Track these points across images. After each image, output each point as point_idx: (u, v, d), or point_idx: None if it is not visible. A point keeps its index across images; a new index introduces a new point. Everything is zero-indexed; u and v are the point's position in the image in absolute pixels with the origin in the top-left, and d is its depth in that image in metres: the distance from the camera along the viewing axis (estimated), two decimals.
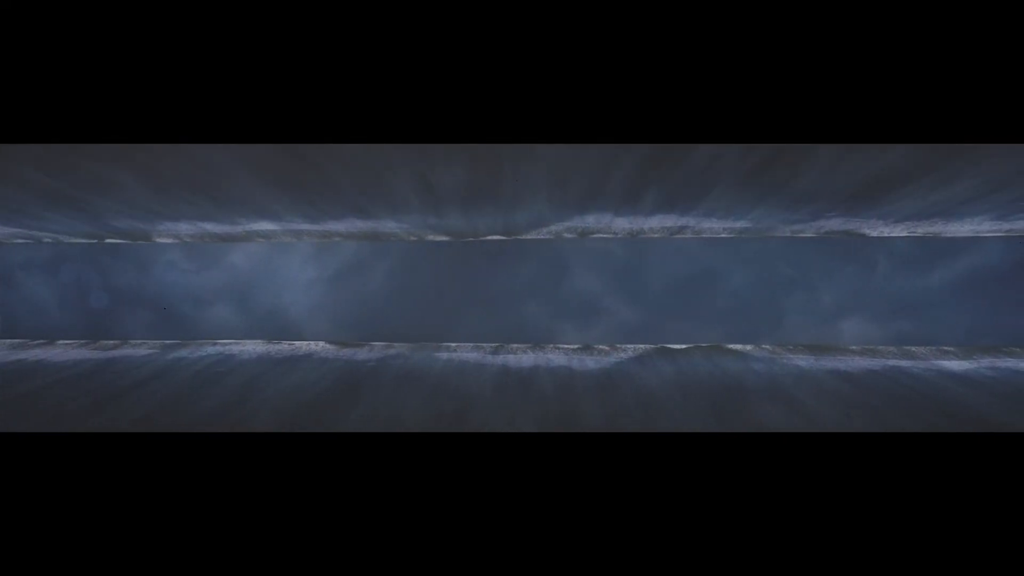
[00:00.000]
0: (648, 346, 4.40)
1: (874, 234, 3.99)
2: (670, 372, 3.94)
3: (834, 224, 3.81)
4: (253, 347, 5.05)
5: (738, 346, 4.23)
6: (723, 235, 4.17)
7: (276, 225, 4.59)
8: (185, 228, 4.68)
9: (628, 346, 4.39)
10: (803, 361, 3.93)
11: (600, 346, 4.42)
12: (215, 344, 5.19)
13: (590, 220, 4.01)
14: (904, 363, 3.82)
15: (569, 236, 4.43)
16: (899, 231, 3.88)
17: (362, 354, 4.76)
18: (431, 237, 4.70)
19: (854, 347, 4.07)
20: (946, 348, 3.95)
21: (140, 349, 5.13)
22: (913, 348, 4.01)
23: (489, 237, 4.52)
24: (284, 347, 5.03)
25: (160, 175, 3.46)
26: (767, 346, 4.26)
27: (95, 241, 5.51)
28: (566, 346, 4.47)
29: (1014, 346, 3.96)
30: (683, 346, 4.36)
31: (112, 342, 5.42)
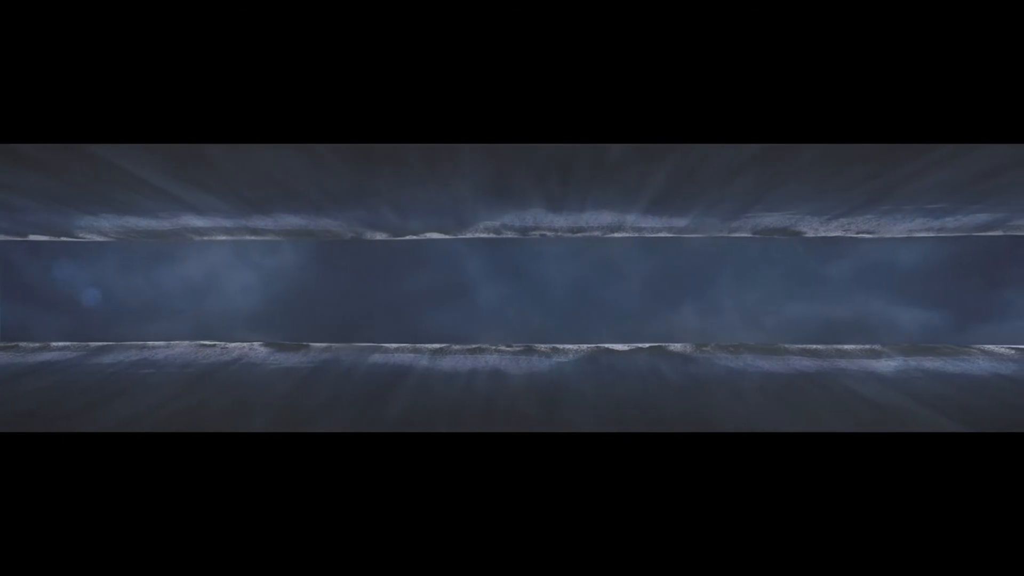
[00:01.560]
0: (590, 346, 4.33)
1: (811, 234, 4.00)
2: (612, 373, 3.87)
3: (770, 222, 3.79)
4: (181, 349, 4.82)
5: (678, 346, 4.19)
6: (663, 234, 4.14)
7: (205, 222, 4.40)
8: (107, 224, 4.46)
9: (569, 347, 4.31)
10: (740, 361, 3.90)
11: (540, 347, 4.33)
12: (143, 348, 4.94)
13: (528, 218, 3.93)
14: (841, 362, 3.81)
15: (509, 235, 4.34)
16: (833, 230, 3.88)
17: (296, 357, 4.58)
18: (369, 236, 4.56)
19: (792, 347, 4.05)
20: (876, 347, 3.96)
21: (62, 352, 4.86)
22: (847, 347, 4.01)
23: (428, 235, 4.41)
24: (216, 349, 4.81)
25: (71, 172, 3.27)
26: (707, 348, 4.23)
27: (19, 238, 5.22)
28: (506, 348, 4.37)
29: (946, 344, 4.00)
30: (624, 347, 4.29)
31: (34, 345, 5.13)
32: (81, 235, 4.87)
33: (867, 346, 3.99)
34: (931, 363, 3.66)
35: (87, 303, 5.05)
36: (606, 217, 3.86)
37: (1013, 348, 3.97)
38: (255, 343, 4.91)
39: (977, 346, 4.00)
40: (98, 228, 4.62)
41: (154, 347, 4.94)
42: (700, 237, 4.11)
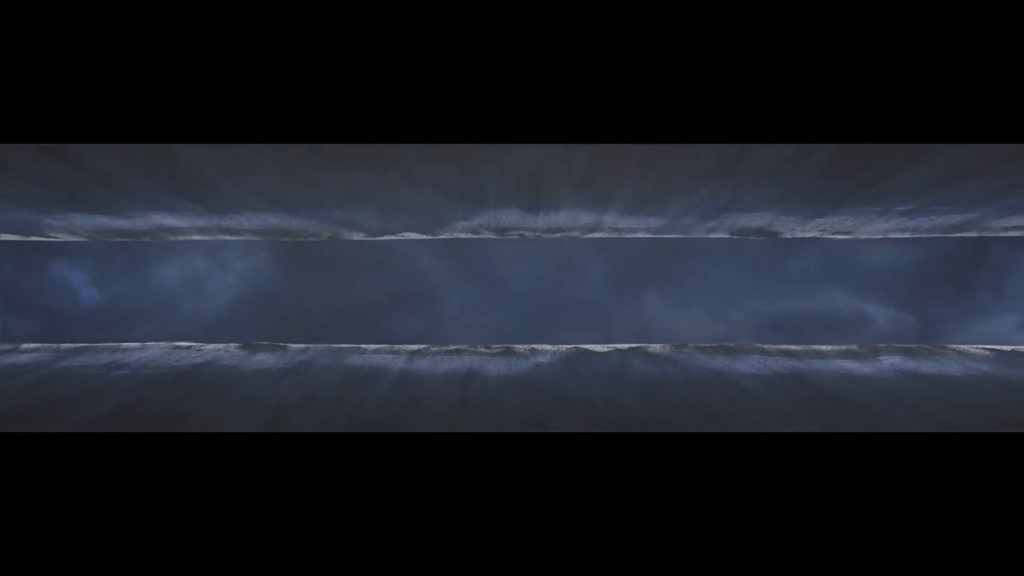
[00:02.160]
0: (568, 347, 4.31)
1: (788, 234, 4.00)
2: (591, 373, 3.85)
3: (747, 222, 3.80)
4: (155, 350, 4.75)
5: (656, 347, 4.18)
6: (640, 234, 4.13)
7: (179, 221, 4.34)
8: (79, 224, 4.38)
9: (547, 347, 4.29)
10: (718, 361, 3.90)
11: (519, 347, 4.31)
12: (117, 350, 4.86)
13: (503, 218, 3.91)
14: (816, 363, 3.82)
15: (487, 235, 4.32)
16: (810, 231, 3.90)
17: (273, 358, 4.52)
18: (346, 235, 4.52)
19: (769, 347, 4.05)
20: (853, 348, 3.97)
21: (32, 355, 4.76)
22: (823, 347, 4.02)
23: (405, 235, 4.37)
24: (191, 352, 4.74)
25: (40, 172, 3.21)
26: (686, 348, 4.22)
27: None
28: (485, 350, 4.34)
29: (923, 344, 4.02)
30: (603, 348, 4.28)
31: (5, 347, 5.03)
32: (52, 235, 4.78)
33: (843, 347, 4.00)
34: (905, 363, 3.67)
35: (84, 302, 4.98)
36: (584, 217, 3.85)
37: (986, 348, 4.00)
38: (231, 344, 4.84)
39: (952, 346, 4.03)
40: (70, 228, 4.54)
41: (128, 349, 4.86)
42: (677, 237, 4.11)
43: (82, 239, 4.93)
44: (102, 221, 4.29)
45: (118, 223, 4.38)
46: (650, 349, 4.18)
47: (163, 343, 4.96)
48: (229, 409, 3.62)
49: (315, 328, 4.75)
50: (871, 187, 3.29)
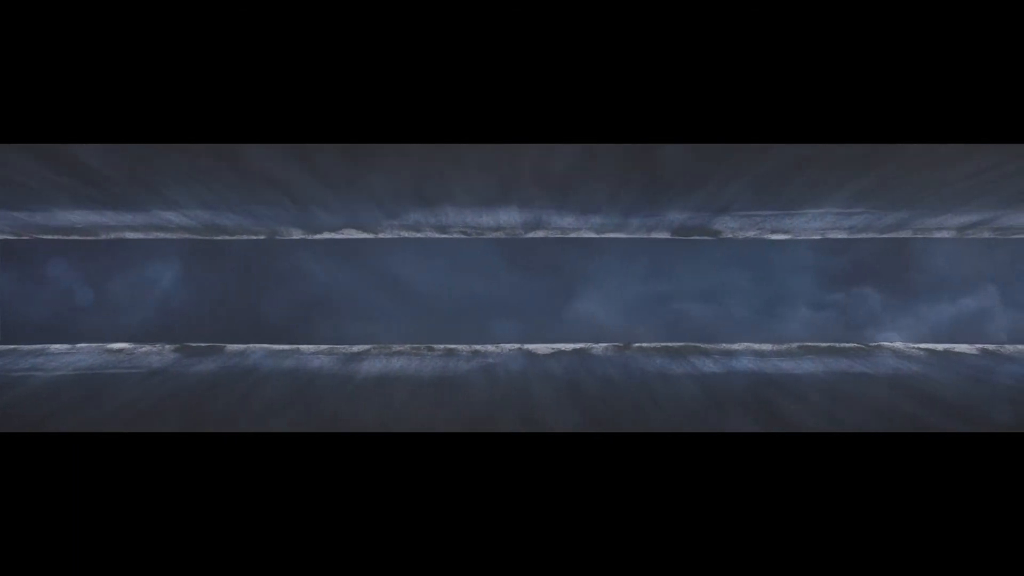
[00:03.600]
0: (513, 346, 4.26)
1: (728, 234, 4.01)
2: (539, 374, 3.80)
3: (685, 222, 3.79)
4: (85, 353, 4.55)
5: (599, 347, 4.15)
6: (585, 233, 4.10)
7: (110, 218, 4.18)
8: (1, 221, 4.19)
9: (490, 346, 4.23)
10: (660, 360, 3.88)
11: (460, 347, 4.24)
12: (42, 354, 4.65)
13: (444, 216, 3.84)
14: (756, 362, 3.83)
15: (430, 233, 4.25)
16: (749, 230, 3.91)
17: (208, 360, 4.37)
18: (284, 234, 4.40)
19: (709, 346, 4.05)
20: (793, 346, 4.00)
21: None
22: (763, 347, 4.03)
23: (344, 233, 4.28)
24: (123, 356, 4.56)
25: None
26: (629, 349, 4.20)
27: None
28: (430, 351, 4.26)
29: (859, 343, 4.07)
30: (548, 349, 4.24)
31: None
32: None
33: (782, 346, 4.02)
34: (840, 363, 3.71)
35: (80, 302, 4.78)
36: (520, 216, 3.80)
37: (920, 347, 4.06)
38: (165, 346, 4.67)
39: (887, 344, 4.09)
40: None
41: (55, 352, 4.65)
42: (622, 237, 4.09)
43: (7, 236, 4.72)
44: (23, 217, 4.11)
45: (41, 219, 4.19)
46: (593, 351, 4.15)
47: (94, 344, 4.77)
48: (162, 410, 3.50)
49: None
50: (811, 188, 3.31)
